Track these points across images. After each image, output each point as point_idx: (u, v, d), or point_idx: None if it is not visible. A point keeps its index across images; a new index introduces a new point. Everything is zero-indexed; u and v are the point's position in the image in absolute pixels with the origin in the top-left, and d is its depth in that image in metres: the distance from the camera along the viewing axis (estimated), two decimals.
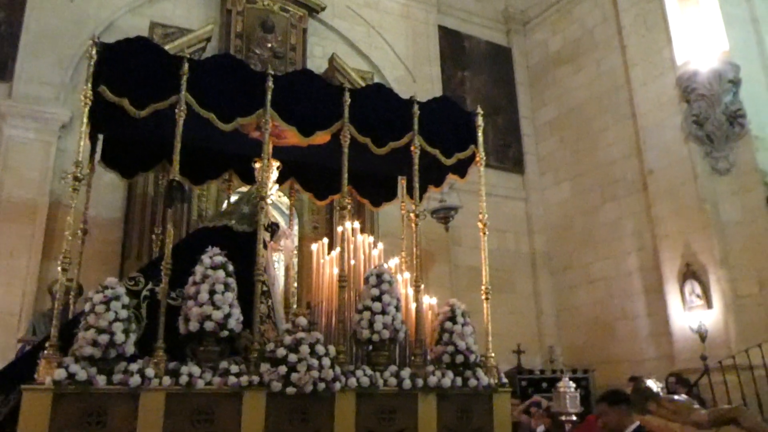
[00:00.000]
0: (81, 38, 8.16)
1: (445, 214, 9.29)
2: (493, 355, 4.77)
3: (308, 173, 6.02)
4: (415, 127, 4.91)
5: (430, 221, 8.67)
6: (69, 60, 8.32)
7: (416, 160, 4.86)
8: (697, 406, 5.88)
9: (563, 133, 11.12)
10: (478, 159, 5.11)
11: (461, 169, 5.38)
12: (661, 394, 6.10)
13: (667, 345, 8.80)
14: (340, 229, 5.04)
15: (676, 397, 6.19)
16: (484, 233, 4.99)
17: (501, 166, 10.88)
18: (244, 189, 5.95)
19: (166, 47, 6.16)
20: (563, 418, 7.77)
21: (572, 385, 8.48)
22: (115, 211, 8.06)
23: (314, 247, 5.38)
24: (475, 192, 9.62)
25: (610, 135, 10.22)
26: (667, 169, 9.05)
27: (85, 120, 4.25)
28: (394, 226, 8.69)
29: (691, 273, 8.52)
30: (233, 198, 5.83)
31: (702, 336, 8.09)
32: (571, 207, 10.77)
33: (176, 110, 4.30)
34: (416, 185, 4.82)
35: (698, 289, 8.43)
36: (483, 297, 4.88)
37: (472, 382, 4.56)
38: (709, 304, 8.28)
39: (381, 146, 4.85)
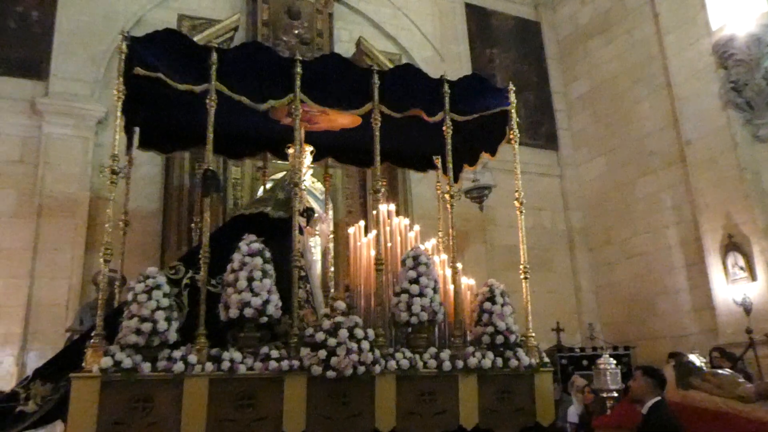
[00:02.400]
0: (111, 34, 8.24)
1: (479, 194, 9.17)
2: (533, 334, 4.71)
3: (344, 153, 5.99)
4: (446, 106, 4.84)
5: (464, 201, 8.57)
6: (101, 56, 8.42)
7: (448, 140, 4.79)
8: (742, 380, 5.74)
9: (596, 107, 10.87)
10: (511, 136, 5.01)
11: (493, 146, 5.27)
12: (704, 368, 6.00)
13: (710, 319, 8.59)
14: (375, 212, 5.00)
15: (720, 371, 6.05)
16: (521, 212, 4.90)
17: (534, 143, 10.71)
18: (279, 176, 5.97)
19: (195, 38, 6.17)
20: (604, 395, 7.72)
21: (613, 361, 8.36)
22: (153, 203, 8.16)
23: (351, 230, 5.36)
24: (509, 170, 9.51)
25: (644, 107, 9.95)
26: (705, 138, 8.78)
27: (118, 113, 4.29)
28: (428, 207, 8.65)
29: (733, 245, 8.28)
30: (268, 185, 5.85)
31: (746, 309, 7.89)
32: (606, 182, 10.55)
33: (207, 100, 4.31)
34: (449, 165, 4.75)
35: (741, 261, 8.19)
36: (522, 276, 4.80)
37: (513, 362, 4.52)
38: (753, 276, 8.04)
39: (413, 123, 4.77)
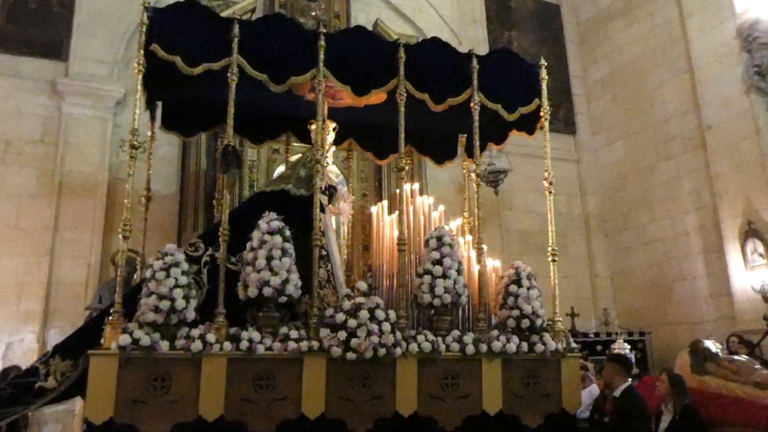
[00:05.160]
0: (131, 16, 8.09)
1: (494, 177, 8.99)
2: (560, 319, 4.49)
3: (366, 133, 5.76)
4: (475, 82, 4.60)
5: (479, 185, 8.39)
6: (120, 37, 8.31)
7: (476, 117, 4.55)
8: (758, 366, 5.59)
9: (616, 91, 10.56)
10: (543, 113, 4.76)
11: (528, 125, 5.03)
12: (720, 354, 5.84)
13: (728, 306, 8.37)
14: (398, 190, 4.76)
15: (736, 357, 5.92)
16: (550, 192, 4.67)
17: (551, 127, 10.15)
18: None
19: None
20: None
21: (627, 346, 8.30)
22: (171, 184, 8.08)
23: (374, 209, 5.16)
24: (524, 155, 9.45)
25: (665, 91, 9.64)
26: (726, 123, 8.49)
27: (139, 87, 4.13)
28: (444, 191, 8.47)
29: (753, 231, 8.04)
30: (293, 158, 5.65)
31: (765, 296, 7.70)
32: (624, 167, 10.27)
33: (228, 74, 4.12)
34: (476, 143, 4.52)
35: (761, 248, 7.96)
36: (550, 259, 4.58)
37: (539, 347, 4.30)
38: None
39: (439, 102, 4.55)
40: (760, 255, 7.95)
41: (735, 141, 8.35)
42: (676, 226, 9.33)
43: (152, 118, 5.02)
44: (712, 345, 5.95)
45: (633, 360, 7.63)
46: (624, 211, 10.24)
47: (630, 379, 5.19)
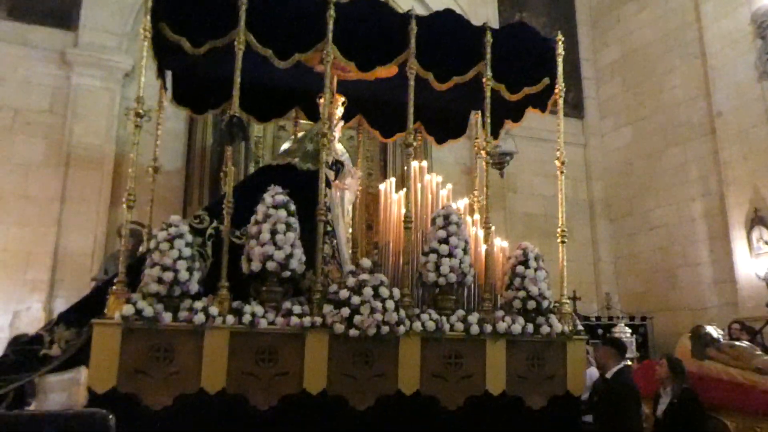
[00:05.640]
0: None
1: (500, 160, 8.87)
2: (567, 301, 4.41)
3: (375, 109, 5.63)
4: (488, 56, 4.45)
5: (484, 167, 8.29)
6: (129, 8, 8.15)
7: (488, 93, 4.41)
8: (759, 352, 5.56)
9: (626, 75, 10.36)
10: (557, 91, 4.62)
11: (542, 102, 4.88)
12: (721, 340, 5.80)
13: (731, 293, 8.27)
14: (406, 168, 4.64)
15: (737, 343, 5.88)
16: (562, 172, 4.54)
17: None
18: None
19: None
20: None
21: (627, 330, 8.25)
22: (177, 159, 8.01)
23: (382, 186, 5.05)
24: (530, 137, 9.31)
25: (676, 76, 9.45)
26: (737, 110, 8.32)
27: (144, 54, 4.02)
28: (449, 172, 8.35)
29: (759, 219, 7.94)
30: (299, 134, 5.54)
31: None
32: (632, 152, 10.12)
33: (235, 43, 4.01)
34: (487, 119, 4.39)
35: (767, 236, 7.84)
36: (559, 240, 4.48)
37: (545, 329, 4.22)
38: None
39: (445, 81, 4.43)
40: (766, 243, 7.85)
41: (745, 128, 8.20)
42: (682, 213, 9.21)
43: (163, 87, 4.91)
44: (713, 330, 5.92)
45: (630, 344, 7.64)
46: (629, 196, 10.11)
47: (624, 362, 5.15)
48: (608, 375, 4.86)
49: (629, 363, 7.54)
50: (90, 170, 7.54)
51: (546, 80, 4.67)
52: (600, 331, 8.60)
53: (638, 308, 9.44)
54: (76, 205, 7.41)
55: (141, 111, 3.93)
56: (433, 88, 4.43)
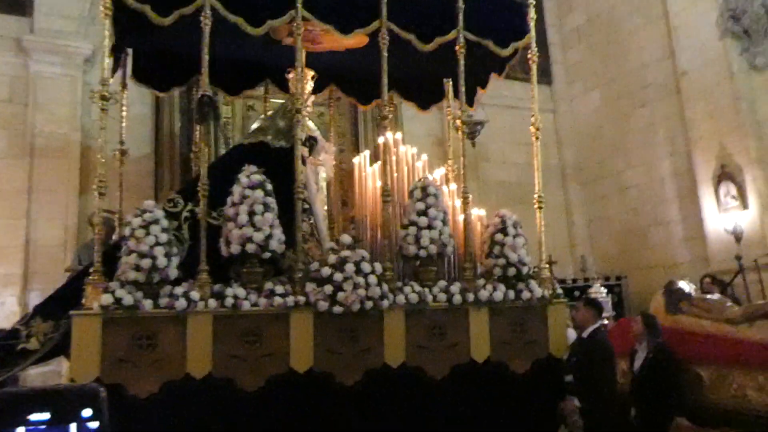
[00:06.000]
0: None
1: (472, 129, 8.81)
2: (547, 266, 4.43)
3: (348, 78, 5.52)
4: (460, 23, 4.37)
5: (456, 137, 8.24)
6: None
7: (461, 60, 4.34)
8: (730, 304, 5.67)
9: (592, 39, 10.34)
10: (531, 55, 4.56)
11: (502, 67, 4.83)
12: (693, 294, 5.91)
13: (702, 248, 8.43)
14: (381, 139, 4.58)
15: (708, 296, 5.98)
16: (537, 138, 4.52)
17: (527, 78, 10.14)
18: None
19: None
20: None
21: (603, 290, 8.37)
22: (145, 145, 7.81)
23: (356, 160, 4.99)
24: (502, 106, 9.26)
25: (641, 37, 9.45)
26: (701, 69, 8.38)
27: (106, 33, 3.86)
28: (420, 144, 8.25)
29: (726, 174, 8.04)
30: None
31: (737, 237, 7.73)
32: (601, 116, 10.16)
33: (201, 17, 3.86)
34: (461, 86, 4.32)
35: (734, 191, 7.97)
36: (536, 206, 4.49)
37: (525, 294, 4.25)
38: (744, 205, 7.83)
39: (426, 42, 4.32)
40: (733, 197, 7.96)
41: (709, 86, 8.26)
42: (652, 173, 9.31)
43: (123, 66, 4.74)
44: (685, 285, 6.00)
45: (606, 303, 7.78)
46: (600, 159, 10.17)
47: (600, 322, 5.24)
48: (584, 335, 4.94)
49: (605, 322, 7.72)
50: (56, 159, 7.33)
51: (518, 43, 4.61)
52: (577, 293, 8.68)
53: (613, 269, 9.56)
54: (44, 196, 7.22)
55: (106, 93, 3.78)
56: (406, 55, 4.34)
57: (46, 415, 0.96)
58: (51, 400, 0.94)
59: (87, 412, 0.97)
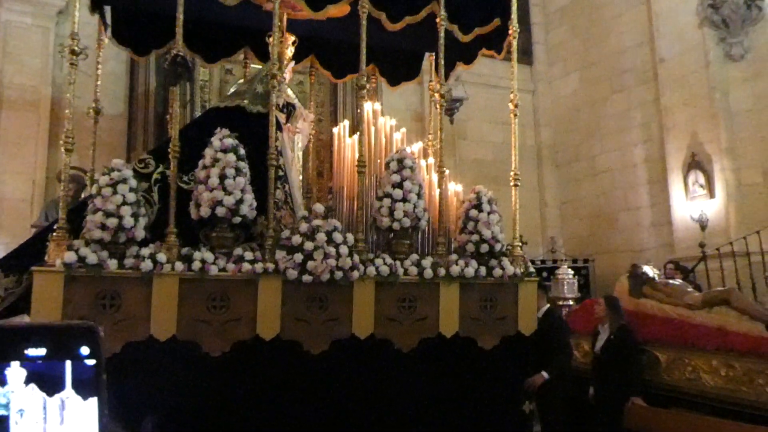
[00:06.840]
0: None
1: (450, 106, 8.76)
2: (520, 244, 4.40)
3: (328, 49, 5.38)
4: None
5: (433, 114, 8.17)
6: None
7: (441, 34, 4.23)
8: (690, 289, 5.78)
9: (575, 21, 10.28)
10: (512, 32, 4.47)
11: (498, 44, 4.72)
12: (656, 279, 5.99)
13: (668, 234, 8.56)
14: (359, 110, 4.47)
15: (670, 281, 6.08)
16: (516, 115, 4.44)
17: (508, 57, 10.10)
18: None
19: None
20: (560, 302, 7.78)
21: (570, 272, 8.47)
22: (118, 103, 7.63)
23: (335, 130, 4.86)
24: (481, 84, 9.19)
25: (622, 22, 9.44)
26: (679, 56, 8.40)
27: None
28: (399, 117, 8.14)
29: (696, 163, 8.12)
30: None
31: (702, 225, 7.85)
32: (579, 98, 10.16)
33: None
34: (441, 61, 4.22)
35: (702, 179, 8.08)
36: (512, 183, 4.45)
37: (497, 271, 4.21)
38: (711, 194, 7.94)
39: (396, 21, 4.22)
40: (701, 186, 8.06)
41: (685, 74, 8.29)
42: (625, 158, 9.37)
43: (103, 23, 4.53)
44: (649, 270, 6.10)
45: (573, 285, 7.91)
46: (576, 142, 10.20)
47: (549, 304, 5.46)
48: (539, 314, 5.01)
49: (570, 303, 7.83)
50: (25, 112, 7.12)
51: (497, 21, 4.51)
52: (545, 273, 8.77)
53: (582, 251, 9.66)
54: (12, 149, 7.02)
55: (76, 48, 3.60)
56: (387, 28, 4.23)
57: (42, 351, 0.92)
58: (47, 336, 0.89)
59: (84, 350, 0.93)
